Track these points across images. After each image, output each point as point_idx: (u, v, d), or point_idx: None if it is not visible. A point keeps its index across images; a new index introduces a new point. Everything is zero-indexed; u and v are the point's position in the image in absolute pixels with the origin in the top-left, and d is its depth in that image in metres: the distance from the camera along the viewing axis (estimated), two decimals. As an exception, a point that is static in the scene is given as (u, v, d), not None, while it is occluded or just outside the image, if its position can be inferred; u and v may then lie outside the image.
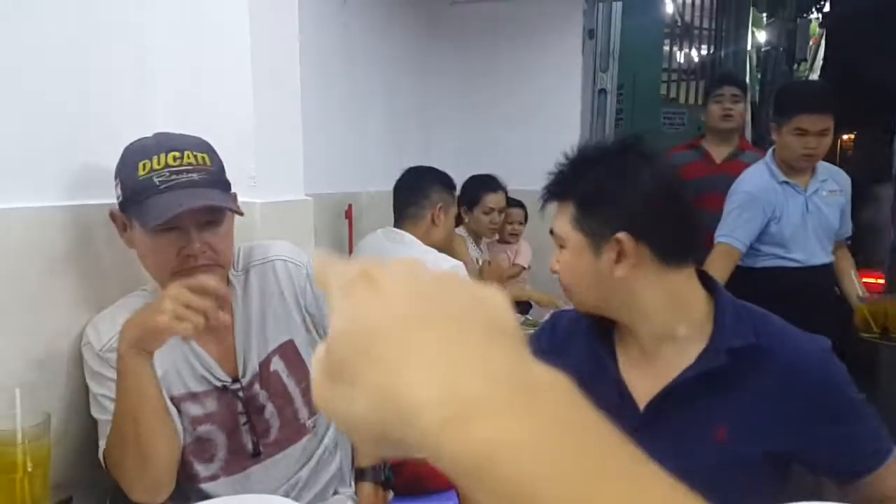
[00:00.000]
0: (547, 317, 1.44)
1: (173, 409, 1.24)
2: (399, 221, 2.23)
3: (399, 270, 0.34)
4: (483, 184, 2.92)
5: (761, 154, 2.86)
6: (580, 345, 1.15)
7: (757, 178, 2.50)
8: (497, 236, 3.14)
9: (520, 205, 3.23)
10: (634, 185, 1.02)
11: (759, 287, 2.32)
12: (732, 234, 2.43)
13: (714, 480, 0.85)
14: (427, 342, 0.29)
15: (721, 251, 2.42)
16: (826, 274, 2.50)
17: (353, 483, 1.47)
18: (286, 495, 1.28)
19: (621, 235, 1.00)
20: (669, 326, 1.04)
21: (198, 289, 1.08)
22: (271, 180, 1.65)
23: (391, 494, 1.58)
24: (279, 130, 1.71)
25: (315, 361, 0.33)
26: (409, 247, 2.13)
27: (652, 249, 1.01)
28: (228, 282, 1.33)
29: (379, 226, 2.47)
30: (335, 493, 1.46)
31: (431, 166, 2.34)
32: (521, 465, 0.25)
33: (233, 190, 1.29)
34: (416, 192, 2.22)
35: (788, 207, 2.46)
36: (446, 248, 2.25)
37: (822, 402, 1.01)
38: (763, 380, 1.01)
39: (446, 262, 2.09)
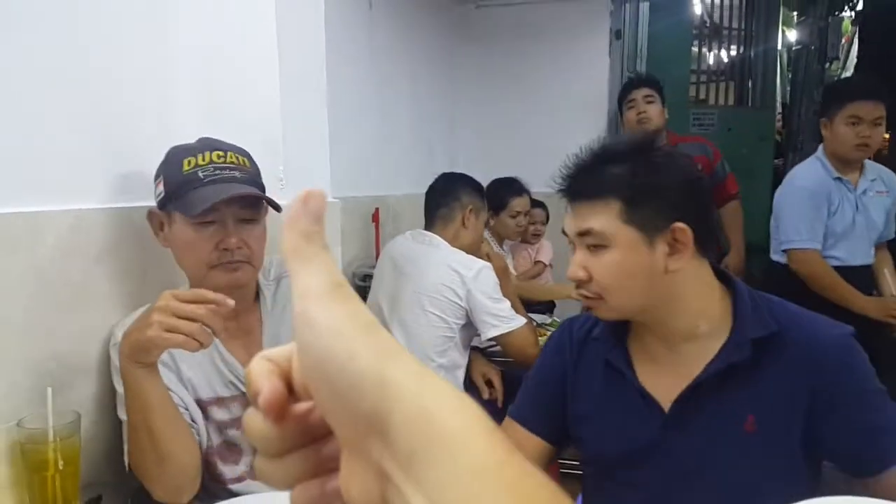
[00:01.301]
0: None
1: (198, 413, 1.25)
2: (429, 224, 2.23)
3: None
4: (508, 187, 2.92)
5: (698, 140, 2.82)
6: (591, 355, 1.15)
7: (813, 173, 2.43)
8: (520, 238, 3.14)
9: (541, 205, 3.25)
10: (678, 176, 1.02)
11: (794, 284, 2.28)
12: (810, 237, 2.37)
13: (749, 474, 0.83)
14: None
15: (811, 259, 2.36)
16: (865, 275, 2.44)
17: None
18: None
19: (680, 224, 1.00)
20: (694, 322, 1.04)
21: (193, 298, 1.04)
22: (299, 183, 1.66)
23: None
24: (306, 133, 1.72)
25: None
26: (437, 249, 2.13)
27: (696, 239, 1.01)
28: (258, 290, 1.35)
29: (407, 228, 2.48)
30: None
31: (464, 173, 2.33)
32: None
33: (266, 191, 1.31)
34: (447, 195, 2.22)
35: (842, 204, 2.40)
36: (475, 251, 2.25)
37: (843, 387, 0.99)
38: (785, 367, 1.00)
39: (475, 263, 2.08)
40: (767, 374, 1.00)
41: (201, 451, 1.24)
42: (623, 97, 2.99)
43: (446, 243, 2.14)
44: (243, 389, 1.28)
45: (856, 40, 4.87)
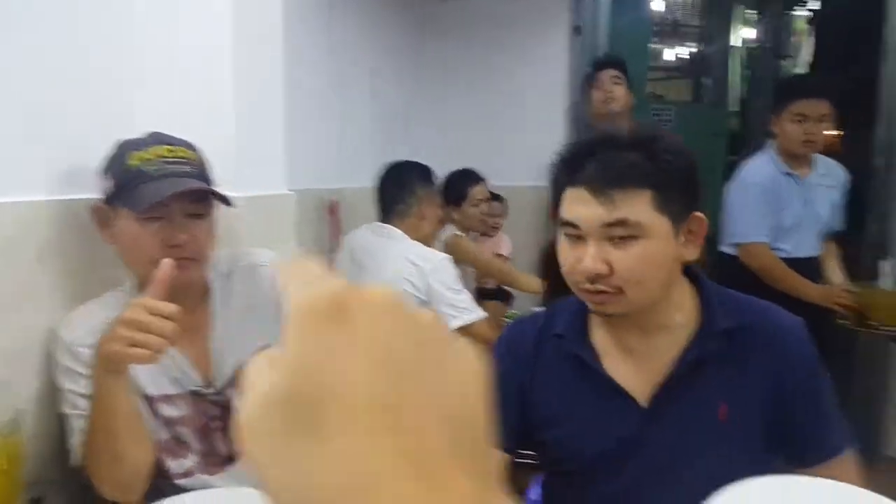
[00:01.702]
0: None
1: (146, 408, 1.23)
2: (386, 217, 2.22)
3: (378, 312, 0.28)
4: (466, 178, 2.93)
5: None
6: (553, 354, 1.12)
7: (763, 169, 2.50)
8: (483, 228, 3.16)
9: (499, 198, 3.27)
10: (691, 164, 1.01)
11: (744, 275, 2.34)
12: (760, 231, 2.44)
13: (722, 463, 0.84)
14: (380, 453, 0.25)
15: (761, 252, 2.42)
16: (811, 266, 2.51)
17: None
18: None
19: (699, 214, 1.01)
20: (672, 313, 1.05)
21: (156, 311, 1.02)
22: (253, 174, 1.64)
23: None
24: (261, 124, 1.70)
25: (252, 396, 0.27)
26: (397, 241, 2.13)
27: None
28: (207, 286, 1.32)
29: (365, 222, 2.46)
30: None
31: (409, 160, 2.32)
32: None
33: (215, 185, 1.29)
34: (401, 189, 2.22)
35: (790, 198, 2.47)
36: (435, 236, 2.26)
37: (800, 375, 1.02)
38: (751, 356, 1.02)
39: (434, 256, 2.08)
40: (737, 364, 1.02)
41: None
42: (589, 77, 3.01)
43: (405, 235, 2.14)
44: (190, 387, 1.27)
45: (812, 38, 4.99)
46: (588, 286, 0.99)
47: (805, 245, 2.50)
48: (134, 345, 1.01)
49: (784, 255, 2.46)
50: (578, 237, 0.99)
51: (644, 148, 0.97)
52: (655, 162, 0.96)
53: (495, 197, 3.26)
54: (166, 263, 1.05)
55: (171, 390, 1.26)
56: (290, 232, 1.79)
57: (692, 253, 1.02)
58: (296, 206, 1.82)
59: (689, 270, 1.08)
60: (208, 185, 1.24)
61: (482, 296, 2.84)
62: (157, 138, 1.23)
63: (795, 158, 2.48)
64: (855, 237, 3.56)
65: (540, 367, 1.12)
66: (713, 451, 1.01)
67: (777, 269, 2.42)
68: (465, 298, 2.07)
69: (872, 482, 0.94)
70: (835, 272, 2.70)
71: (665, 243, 0.97)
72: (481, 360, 0.30)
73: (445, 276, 2.04)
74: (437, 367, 0.28)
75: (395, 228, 2.16)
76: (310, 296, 0.28)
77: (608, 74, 2.94)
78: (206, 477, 1.28)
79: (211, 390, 1.28)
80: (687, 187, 1.00)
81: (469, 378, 0.29)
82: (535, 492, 1.57)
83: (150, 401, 1.24)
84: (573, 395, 1.09)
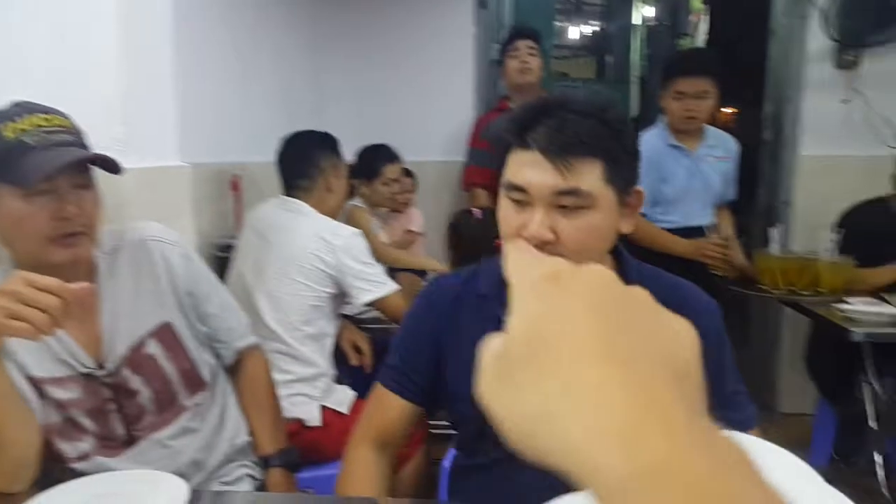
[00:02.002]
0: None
1: (30, 391, 1.16)
2: (290, 192, 2.14)
3: (592, 279, 0.33)
4: (381, 155, 2.89)
5: None
6: (476, 311, 1.12)
7: (648, 142, 2.58)
8: (391, 206, 3.13)
9: (410, 174, 3.25)
10: (636, 138, 1.01)
11: (637, 245, 2.43)
12: None
13: None
14: (608, 381, 0.28)
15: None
16: (701, 235, 2.61)
17: (254, 462, 1.44)
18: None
19: (639, 187, 1.01)
20: None
21: (47, 287, 0.95)
22: (142, 145, 1.55)
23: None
24: (150, 92, 1.61)
25: (487, 353, 0.32)
26: (305, 216, 2.06)
27: None
28: (93, 263, 1.25)
29: (271, 196, 2.38)
30: (234, 464, 1.41)
31: (312, 130, 2.24)
32: None
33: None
34: (304, 163, 2.13)
35: (675, 170, 2.56)
36: (339, 211, 2.21)
37: (716, 357, 1.05)
38: None
39: (343, 230, 2.03)
40: None
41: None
42: (506, 46, 3.01)
43: (313, 210, 2.08)
44: (80, 369, 1.21)
45: (707, 16, 5.19)
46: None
47: (694, 215, 2.61)
48: (13, 317, 0.93)
49: (672, 225, 2.57)
50: (524, 202, 0.97)
51: (597, 116, 0.95)
52: (609, 131, 0.95)
53: (406, 172, 3.23)
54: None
55: (60, 372, 1.20)
56: (186, 207, 1.70)
57: (628, 226, 1.02)
58: (193, 180, 1.74)
59: None
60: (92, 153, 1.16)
61: (395, 269, 2.82)
62: (27, 107, 1.14)
63: (683, 132, 2.59)
64: (748, 207, 3.76)
65: (458, 324, 1.12)
66: None
67: (648, 232, 2.53)
68: (378, 272, 2.05)
69: (769, 437, 0.99)
70: (731, 240, 2.83)
71: (610, 215, 0.97)
72: (692, 331, 0.33)
73: (356, 250, 2.01)
74: (651, 326, 0.32)
75: (302, 203, 2.09)
76: (529, 269, 0.33)
77: (525, 45, 2.96)
78: (103, 459, 1.23)
79: (103, 372, 1.23)
80: (633, 160, 1.00)
81: (683, 341, 0.32)
82: (449, 461, 1.58)
83: (36, 383, 1.18)
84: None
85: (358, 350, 2.19)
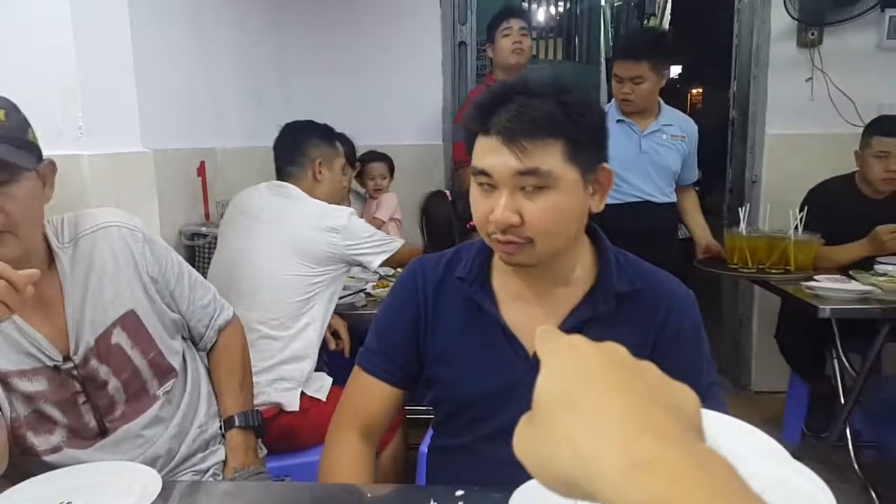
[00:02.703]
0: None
1: None
2: (281, 178, 2.13)
3: (608, 347, 0.41)
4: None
5: None
6: (453, 294, 1.13)
7: None
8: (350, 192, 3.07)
9: (382, 158, 3.20)
10: (600, 116, 1.02)
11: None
12: None
13: None
14: (613, 407, 0.35)
15: None
16: (652, 210, 2.62)
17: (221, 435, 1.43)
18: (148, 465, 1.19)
19: (606, 165, 1.02)
20: (573, 267, 1.07)
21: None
22: (103, 131, 1.50)
23: (263, 451, 1.53)
24: (110, 77, 1.55)
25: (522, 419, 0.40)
26: (297, 200, 2.03)
27: None
28: (52, 255, 1.22)
29: (239, 182, 2.35)
30: (206, 452, 1.39)
31: (311, 120, 2.22)
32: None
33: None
34: (293, 151, 2.12)
35: (621, 144, 2.56)
36: (338, 200, 2.19)
37: (694, 350, 1.07)
38: (639, 321, 1.06)
39: (339, 211, 2.01)
40: (623, 323, 1.05)
41: (7, 424, 1.15)
42: (498, 24, 2.96)
43: (305, 194, 2.05)
44: (47, 362, 1.18)
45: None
46: (499, 236, 0.99)
47: (641, 189, 2.62)
48: None
49: (618, 200, 2.56)
50: (491, 186, 0.99)
51: (556, 98, 0.97)
52: (567, 112, 0.96)
53: (379, 157, 3.19)
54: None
55: (27, 365, 1.17)
56: (149, 194, 1.66)
57: (598, 205, 1.03)
58: (157, 166, 1.69)
59: (589, 229, 1.12)
60: (13, 144, 1.08)
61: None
62: None
63: (629, 112, 2.61)
64: (717, 186, 3.80)
65: (439, 305, 1.13)
66: None
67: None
68: (381, 235, 2.10)
69: (742, 416, 1.00)
70: (694, 218, 2.85)
71: (575, 194, 0.98)
72: (695, 397, 0.39)
73: (356, 228, 2.02)
74: (658, 383, 0.39)
75: (292, 186, 2.06)
76: (555, 341, 0.42)
77: (518, 24, 2.93)
78: (75, 452, 1.22)
79: (70, 364, 1.21)
80: (596, 138, 1.01)
81: (687, 399, 0.39)
82: (426, 445, 1.57)
83: (2, 376, 1.16)
84: (467, 337, 1.11)
85: (336, 335, 2.18)
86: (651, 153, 2.61)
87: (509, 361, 1.07)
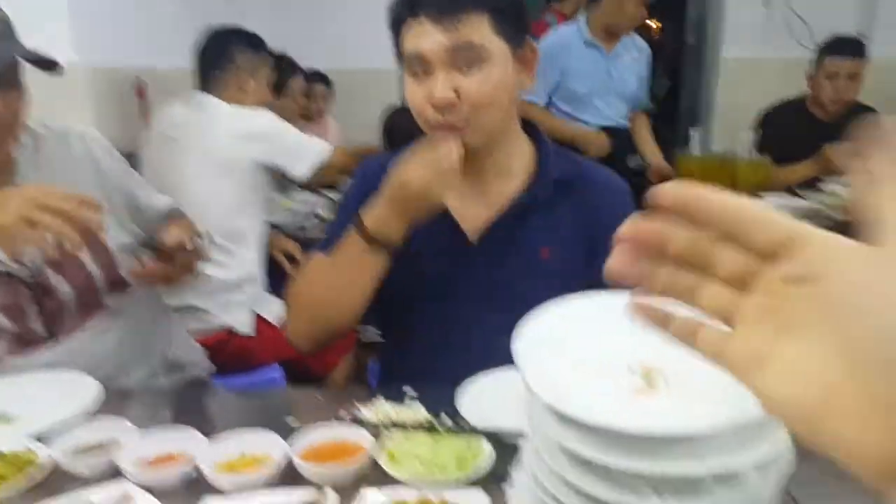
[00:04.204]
0: None
1: None
2: (204, 87, 1.98)
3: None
4: (284, 67, 2.70)
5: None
6: None
7: (560, 36, 2.58)
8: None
9: (326, 81, 3.10)
10: None
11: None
12: (536, 93, 2.54)
13: (543, 296, 0.87)
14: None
15: (529, 109, 2.48)
16: (617, 135, 2.63)
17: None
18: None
19: (532, 41, 1.03)
20: (510, 157, 1.10)
21: (65, 197, 0.94)
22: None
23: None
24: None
25: None
26: (215, 109, 1.90)
27: None
28: (9, 160, 1.17)
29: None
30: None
31: (238, 27, 2.07)
32: None
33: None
34: (219, 57, 1.97)
35: (587, 67, 2.54)
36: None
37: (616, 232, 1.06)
38: (577, 208, 1.10)
39: (257, 116, 1.91)
40: (561, 212, 1.10)
41: None
42: None
43: (224, 104, 1.93)
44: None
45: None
46: (439, 119, 1.00)
47: (606, 114, 2.61)
48: (32, 223, 0.92)
49: (586, 124, 2.57)
50: (425, 72, 1.00)
51: None
52: None
53: (321, 78, 3.10)
54: None
55: None
56: (84, 112, 1.57)
57: (528, 80, 1.05)
58: (92, 82, 1.60)
59: (528, 125, 1.14)
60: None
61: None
62: None
63: (610, 34, 2.55)
64: (670, 110, 3.81)
65: None
66: (534, 282, 1.06)
67: (547, 122, 2.52)
68: (303, 138, 1.96)
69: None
70: (647, 143, 2.86)
71: (506, 66, 1.01)
72: None
73: (271, 126, 1.91)
74: None
75: (209, 96, 1.94)
76: None
77: None
78: (19, 360, 1.20)
79: (25, 271, 1.18)
80: (519, 11, 1.02)
81: None
82: (374, 365, 1.57)
83: None
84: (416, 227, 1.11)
85: (291, 259, 2.14)
86: (616, 76, 2.60)
87: (452, 249, 1.10)
